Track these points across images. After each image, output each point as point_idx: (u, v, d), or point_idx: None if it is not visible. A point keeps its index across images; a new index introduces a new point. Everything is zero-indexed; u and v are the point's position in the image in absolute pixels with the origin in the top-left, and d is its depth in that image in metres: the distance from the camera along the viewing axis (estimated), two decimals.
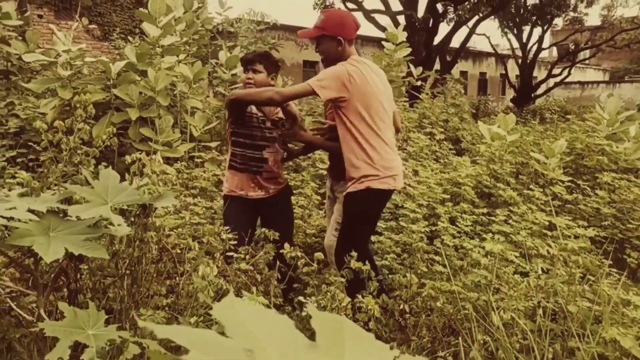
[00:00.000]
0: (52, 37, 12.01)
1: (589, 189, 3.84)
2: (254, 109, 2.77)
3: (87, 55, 5.01)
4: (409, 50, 5.97)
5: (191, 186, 4.04)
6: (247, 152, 2.78)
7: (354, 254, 2.26)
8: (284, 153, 2.94)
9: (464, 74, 25.32)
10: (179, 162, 4.72)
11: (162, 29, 4.59)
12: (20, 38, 5.49)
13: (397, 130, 2.98)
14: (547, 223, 3.41)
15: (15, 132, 4.40)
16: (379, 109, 2.44)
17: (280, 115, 2.79)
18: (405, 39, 5.89)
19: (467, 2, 12.04)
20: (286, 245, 2.25)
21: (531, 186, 3.82)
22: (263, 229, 2.33)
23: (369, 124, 2.40)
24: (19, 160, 4.12)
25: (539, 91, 24.78)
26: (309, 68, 18.43)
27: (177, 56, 4.79)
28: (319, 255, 2.21)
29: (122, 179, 1.72)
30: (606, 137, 4.69)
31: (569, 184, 3.96)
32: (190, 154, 4.94)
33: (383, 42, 6.08)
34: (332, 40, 2.44)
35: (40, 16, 11.39)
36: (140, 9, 4.86)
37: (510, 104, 25.03)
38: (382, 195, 2.54)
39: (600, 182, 4.05)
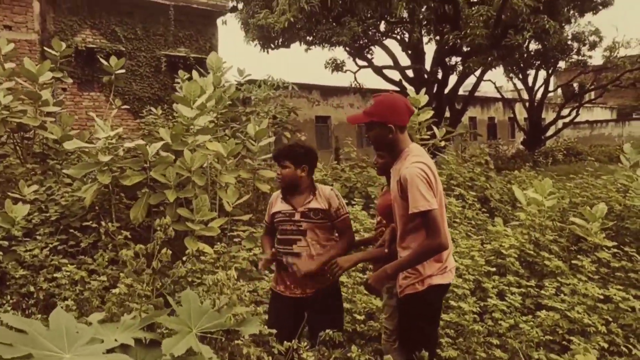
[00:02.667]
0: (75, 108, 12.41)
1: (637, 255, 3.77)
2: (278, 206, 2.74)
3: (114, 127, 5.12)
4: (432, 112, 6.07)
5: (230, 267, 4.04)
6: (279, 248, 2.72)
7: (425, 353, 2.20)
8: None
9: (472, 119, 25.64)
10: (216, 240, 4.75)
11: (196, 110, 4.73)
12: (53, 120, 5.68)
13: None
14: (601, 296, 3.33)
15: (56, 218, 4.47)
16: (442, 198, 2.42)
17: (311, 205, 2.68)
18: (422, 95, 5.99)
19: (475, 56, 12.35)
20: (354, 348, 2.20)
21: (578, 255, 3.76)
22: (326, 331, 2.25)
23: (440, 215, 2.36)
24: (59, 247, 4.16)
25: (549, 132, 24.92)
26: (322, 123, 18.78)
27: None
28: (387, 358, 2.16)
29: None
30: None
31: (615, 250, 3.90)
32: (223, 229, 4.96)
33: None
34: (383, 127, 2.34)
35: (64, 89, 11.82)
36: (176, 94, 5.04)
37: (521, 147, 25.12)
38: (443, 291, 2.48)
39: None
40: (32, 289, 3.49)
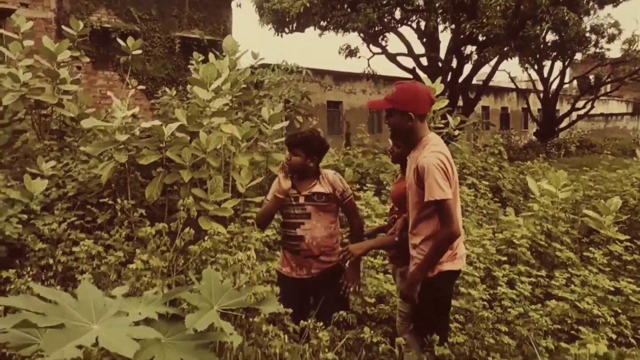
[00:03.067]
0: (89, 86, 12.49)
1: None
2: (285, 185, 2.75)
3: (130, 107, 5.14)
4: (447, 101, 6.05)
5: (245, 247, 4.10)
6: (284, 231, 2.82)
7: (436, 337, 2.24)
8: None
9: (485, 109, 25.40)
10: (229, 221, 4.80)
11: (212, 93, 4.75)
12: (70, 98, 5.73)
13: None
14: (611, 288, 3.35)
15: (74, 194, 4.55)
16: (457, 188, 2.45)
17: (315, 189, 2.74)
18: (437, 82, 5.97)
19: (491, 46, 12.20)
20: (366, 329, 2.25)
21: (590, 248, 3.77)
22: (340, 312, 2.30)
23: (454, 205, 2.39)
24: (76, 222, 4.24)
25: (562, 124, 24.66)
26: (333, 108, 18.72)
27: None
28: (400, 340, 2.21)
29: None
30: None
31: (627, 243, 3.90)
32: (236, 210, 5.02)
33: None
34: (403, 115, 2.36)
35: (79, 67, 11.87)
36: (193, 75, 5.06)
37: (534, 138, 24.90)
38: (454, 277, 2.52)
39: None
40: (50, 261, 3.58)
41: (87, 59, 6.50)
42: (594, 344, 1.93)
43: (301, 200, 2.75)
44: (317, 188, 2.77)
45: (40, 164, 4.69)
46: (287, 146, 2.85)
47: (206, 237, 3.21)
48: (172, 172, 4.69)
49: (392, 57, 15.52)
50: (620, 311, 3.24)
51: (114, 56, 12.54)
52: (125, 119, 4.63)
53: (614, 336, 3.05)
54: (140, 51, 6.47)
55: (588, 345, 1.92)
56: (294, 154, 2.78)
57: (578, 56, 23.25)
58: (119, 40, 6.57)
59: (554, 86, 23.79)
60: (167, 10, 13.72)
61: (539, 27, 11.02)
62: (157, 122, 4.73)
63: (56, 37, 11.50)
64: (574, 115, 24.66)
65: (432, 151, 2.30)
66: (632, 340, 3.06)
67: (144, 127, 4.66)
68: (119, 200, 4.43)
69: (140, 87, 7.32)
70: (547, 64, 23.05)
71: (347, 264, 2.65)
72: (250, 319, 1.74)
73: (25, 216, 4.04)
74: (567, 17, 10.54)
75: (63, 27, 6.54)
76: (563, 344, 2.51)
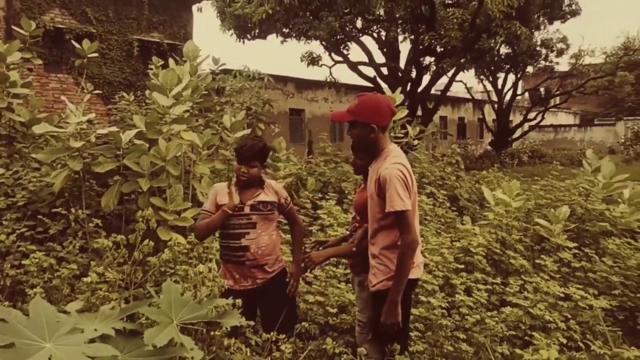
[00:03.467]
0: (41, 89, 11.98)
1: (595, 256, 3.97)
2: (225, 197, 2.71)
3: (85, 112, 4.98)
4: (407, 111, 6.18)
5: (205, 258, 4.03)
6: (227, 242, 2.73)
7: (397, 346, 2.28)
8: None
9: (443, 119, 26.10)
10: (189, 231, 4.71)
11: (172, 99, 4.66)
12: (21, 102, 5.48)
13: None
14: (561, 294, 3.50)
15: (24, 203, 4.34)
16: (416, 199, 2.50)
17: (260, 198, 2.75)
18: (396, 91, 6.09)
19: (449, 57, 12.58)
20: (328, 340, 2.27)
21: (542, 255, 3.93)
22: (302, 324, 2.32)
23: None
24: (26, 233, 4.04)
25: (515, 134, 25.68)
26: (295, 116, 18.75)
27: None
28: (361, 350, 2.22)
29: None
30: (602, 200, 4.89)
31: (575, 250, 4.09)
32: (197, 220, 4.93)
33: None
34: (365, 126, 2.39)
35: (30, 69, 11.39)
36: (152, 81, 4.94)
37: (489, 147, 25.78)
38: (413, 285, 2.57)
39: (604, 247, 4.19)
40: None
41: (40, 61, 6.25)
42: (546, 350, 2.02)
43: (246, 210, 2.72)
44: (263, 197, 2.77)
45: None
46: (244, 158, 2.75)
47: (166, 249, 3.14)
48: (130, 180, 4.56)
49: (353, 66, 15.73)
50: (570, 316, 3.39)
51: (68, 58, 12.10)
52: (80, 125, 4.47)
53: (565, 341, 3.17)
54: (96, 54, 6.27)
55: (540, 352, 2.01)
56: (252, 166, 2.74)
57: (529, 69, 24.34)
58: (74, 43, 6.35)
59: (508, 97, 24.76)
60: (125, 12, 13.38)
61: (493, 40, 11.47)
62: (114, 129, 4.60)
63: (5, 37, 11.00)
64: (526, 126, 25.74)
65: (393, 162, 2.35)
66: (581, 345, 3.20)
67: (100, 133, 4.51)
68: (72, 210, 4.26)
69: (96, 91, 7.08)
70: (501, 76, 24.00)
71: (308, 272, 2.69)
72: (212, 333, 1.71)
73: None
74: (519, 32, 11.04)
75: (13, 27, 6.27)
76: (518, 351, 2.59)
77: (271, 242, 2.77)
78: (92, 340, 1.48)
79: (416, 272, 2.51)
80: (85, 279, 3.19)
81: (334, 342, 2.25)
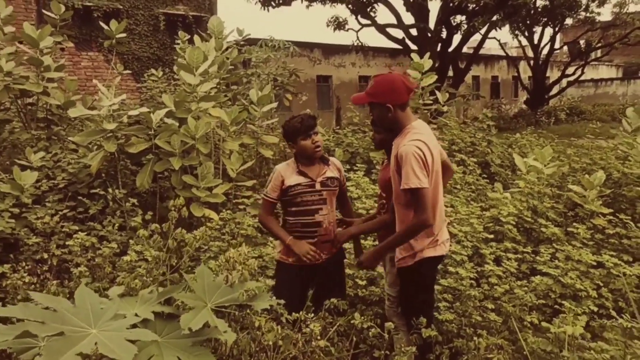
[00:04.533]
0: (73, 68, 12.27)
1: (631, 222, 3.87)
2: (295, 178, 2.73)
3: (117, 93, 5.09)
4: (435, 77, 6.04)
5: (237, 233, 4.16)
6: (299, 219, 2.74)
7: (423, 320, 2.33)
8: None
9: (475, 78, 25.30)
10: (220, 206, 4.85)
11: (200, 77, 4.72)
12: (55, 85, 5.65)
13: (451, 174, 3.03)
14: (593, 262, 3.46)
15: (64, 185, 4.55)
16: (438, 176, 2.50)
17: (328, 174, 2.76)
18: (425, 57, 5.95)
19: (480, 15, 12.07)
20: (356, 315, 2.35)
21: (575, 223, 3.86)
22: (331, 299, 2.39)
23: (432, 194, 2.45)
24: (68, 214, 4.26)
25: (553, 91, 24.68)
26: (323, 82, 18.56)
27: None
28: (389, 325, 2.29)
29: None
30: None
31: (610, 217, 4.00)
32: (228, 195, 5.06)
33: (409, 71, 6.17)
34: (382, 106, 2.43)
35: (62, 49, 11.63)
36: (179, 60, 5.00)
37: (524, 106, 24.94)
38: (436, 262, 2.60)
39: None
40: (45, 255, 3.62)
41: (71, 44, 6.41)
42: (571, 325, 2.03)
43: (317, 186, 2.73)
44: (330, 173, 2.79)
45: (29, 154, 4.67)
46: (309, 128, 2.69)
47: (200, 228, 3.25)
48: (162, 159, 4.71)
49: (381, 29, 15.34)
50: (602, 284, 3.36)
51: (98, 36, 12.29)
52: (113, 107, 4.60)
53: (596, 309, 3.16)
54: (124, 34, 6.36)
55: (566, 327, 2.02)
56: (316, 134, 2.72)
57: (568, 21, 23.10)
58: (102, 24, 6.45)
59: (544, 53, 23.70)
60: None
61: None
62: (144, 109, 4.72)
63: (37, 19, 11.23)
64: (564, 82, 24.66)
65: (411, 139, 2.35)
66: (613, 312, 3.18)
67: (131, 114, 4.64)
68: (110, 189, 4.45)
69: (126, 71, 7.22)
70: (538, 30, 22.91)
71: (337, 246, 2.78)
72: (245, 315, 1.80)
73: (17, 210, 4.05)
74: None
75: (44, 11, 6.40)
76: (544, 323, 2.61)
77: (336, 217, 2.84)
78: (133, 325, 1.59)
79: (440, 250, 2.54)
80: (125, 258, 3.40)
81: (362, 317, 2.33)
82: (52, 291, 3.06)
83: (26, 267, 3.44)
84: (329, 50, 18.66)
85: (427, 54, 6.04)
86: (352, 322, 2.34)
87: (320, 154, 2.75)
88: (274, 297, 1.98)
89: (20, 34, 5.38)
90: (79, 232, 3.77)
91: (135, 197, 4.57)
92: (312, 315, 2.04)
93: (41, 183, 4.48)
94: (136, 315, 1.68)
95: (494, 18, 12.45)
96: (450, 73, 16.58)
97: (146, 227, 3.06)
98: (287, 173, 2.76)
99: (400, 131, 2.46)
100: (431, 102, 6.15)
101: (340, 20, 15.10)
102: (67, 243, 3.62)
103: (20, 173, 4.32)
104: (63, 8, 6.03)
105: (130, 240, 3.90)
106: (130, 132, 4.71)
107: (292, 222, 2.77)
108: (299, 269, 2.74)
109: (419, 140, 2.35)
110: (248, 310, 1.88)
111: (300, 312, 1.96)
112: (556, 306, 3.29)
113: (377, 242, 3.60)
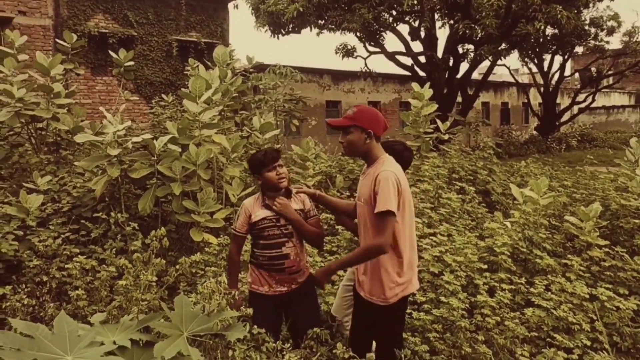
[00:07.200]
0: (88, 92, 12.61)
1: (627, 255, 3.85)
2: (261, 212, 2.79)
3: (126, 114, 5.27)
4: (435, 106, 6.12)
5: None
6: (266, 253, 2.78)
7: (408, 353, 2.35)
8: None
9: (485, 104, 25.38)
10: (220, 231, 4.92)
11: (202, 105, 4.85)
12: (66, 111, 5.84)
13: None
14: (586, 295, 3.43)
15: (68, 208, 4.67)
16: (412, 211, 2.58)
17: (293, 207, 2.82)
18: (428, 84, 6.04)
19: (486, 44, 12.21)
20: (339, 345, 2.37)
21: (569, 255, 3.85)
22: (314, 329, 2.42)
23: (407, 226, 2.51)
24: (71, 237, 4.36)
25: (563, 118, 24.62)
26: (332, 108, 18.79)
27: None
28: (370, 356, 2.31)
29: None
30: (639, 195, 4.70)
31: (607, 249, 3.98)
32: (229, 220, 5.13)
33: (410, 100, 6.26)
34: (363, 131, 2.53)
35: (77, 74, 12.00)
36: (182, 89, 5.15)
37: (535, 133, 24.88)
38: (407, 300, 2.66)
39: (638, 244, 4.05)
40: (45, 278, 3.70)
41: (82, 71, 6.64)
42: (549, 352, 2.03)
43: (282, 220, 2.78)
44: (295, 205, 2.84)
45: (37, 178, 4.82)
46: (274, 160, 2.79)
47: (196, 254, 3.31)
48: (165, 184, 4.81)
49: (390, 56, 15.56)
50: (595, 318, 3.33)
51: (112, 62, 12.69)
52: (117, 133, 4.74)
53: (589, 343, 3.13)
54: (132, 62, 6.58)
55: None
56: (280, 166, 2.81)
57: (578, 49, 23.19)
58: (111, 53, 6.68)
59: (555, 80, 23.74)
60: (164, 13, 13.83)
61: (532, 26, 10.98)
62: (148, 135, 4.84)
63: (54, 45, 11.64)
64: (576, 108, 24.62)
65: (389, 169, 2.46)
66: (607, 347, 3.14)
67: (135, 141, 4.76)
68: (112, 213, 4.55)
69: (134, 97, 7.43)
70: (547, 57, 23.02)
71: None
72: (220, 345, 1.85)
73: (21, 232, 4.17)
74: (559, 16, 10.52)
75: (57, 40, 6.66)
76: (524, 358, 2.60)
77: (304, 248, 2.90)
78: (109, 353, 1.64)
79: (410, 289, 2.58)
80: (120, 282, 3.46)
81: (344, 347, 2.34)
82: (49, 313, 3.14)
83: (26, 290, 3.53)
84: (338, 76, 18.94)
85: (427, 84, 6.13)
86: (334, 351, 2.36)
87: (284, 184, 2.80)
88: (255, 326, 2.02)
89: (34, 64, 5.60)
90: (79, 255, 3.85)
91: (137, 221, 4.66)
92: (289, 344, 2.07)
93: (46, 206, 4.61)
94: (114, 343, 1.74)
95: (500, 47, 12.58)
96: (459, 99, 16.67)
97: (146, 251, 3.14)
98: (254, 208, 2.83)
99: (375, 160, 2.57)
100: (431, 130, 6.21)
101: (349, 47, 15.36)
102: (66, 266, 3.70)
103: (27, 196, 4.45)
104: (75, 37, 6.27)
105: (129, 264, 3.97)
106: (134, 157, 4.83)
107: (259, 255, 2.82)
108: (271, 298, 2.79)
109: (394, 172, 2.46)
110: (228, 340, 1.92)
111: (277, 342, 2.00)
112: (548, 339, 3.26)
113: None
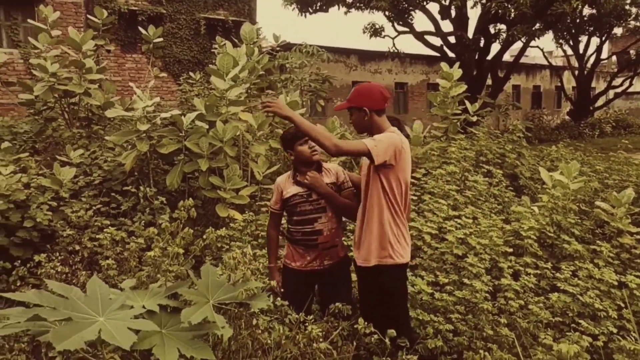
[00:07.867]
0: (118, 69, 12.82)
1: None
2: (293, 189, 2.83)
3: (154, 92, 5.34)
4: (465, 87, 6.00)
5: (258, 235, 4.27)
6: (300, 228, 2.82)
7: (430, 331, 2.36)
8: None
9: (516, 87, 24.73)
10: (245, 208, 4.99)
11: (229, 82, 4.88)
12: (97, 86, 5.96)
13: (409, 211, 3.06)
14: (615, 282, 3.36)
15: (99, 181, 4.81)
16: (408, 175, 2.62)
17: (328, 181, 2.85)
18: (457, 65, 5.92)
19: (520, 24, 11.82)
20: (360, 320, 2.39)
21: (597, 241, 3.77)
22: (336, 304, 2.44)
23: (401, 194, 2.57)
24: (102, 209, 4.50)
25: (598, 103, 23.81)
26: None
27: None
28: (391, 332, 2.33)
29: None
30: None
31: (638, 236, 3.87)
32: (254, 197, 5.19)
33: (438, 80, 6.15)
34: (359, 111, 2.59)
35: (108, 51, 12.19)
36: (210, 66, 5.18)
37: (567, 117, 24.18)
38: (405, 269, 2.70)
39: None
40: (77, 247, 3.83)
41: (112, 47, 6.74)
42: (567, 346, 2.01)
43: (314, 195, 2.80)
44: (326, 179, 2.85)
45: (69, 152, 4.96)
46: (297, 143, 2.80)
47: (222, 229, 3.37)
48: (192, 160, 4.89)
49: (419, 36, 15.25)
50: (623, 305, 3.26)
51: (142, 39, 12.83)
52: (147, 109, 4.82)
53: (615, 330, 3.08)
54: (161, 39, 6.63)
55: (560, 345, 2.01)
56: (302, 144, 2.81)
57: (617, 30, 22.26)
58: (141, 29, 6.75)
59: (590, 63, 22.89)
60: None
61: (568, 5, 10.56)
62: (176, 111, 4.91)
63: (86, 21, 11.83)
64: (611, 93, 23.75)
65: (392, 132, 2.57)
66: (635, 335, 3.08)
67: (164, 116, 4.84)
68: (141, 187, 4.67)
69: (162, 74, 7.51)
70: (584, 39, 22.18)
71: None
72: (244, 313, 1.89)
73: (55, 203, 4.31)
74: None
75: (88, 16, 6.76)
76: (547, 341, 2.57)
77: (339, 224, 2.90)
78: (138, 316, 1.71)
79: (408, 255, 2.65)
80: (149, 253, 3.56)
81: (365, 322, 2.36)
82: (81, 281, 3.26)
83: (59, 258, 3.67)
84: (365, 57, 18.70)
85: (456, 64, 6.00)
86: (355, 326, 2.38)
87: (317, 157, 2.81)
88: (279, 299, 2.06)
89: (66, 39, 5.71)
90: (110, 227, 3.97)
91: (165, 196, 4.76)
92: (313, 318, 2.11)
93: (79, 179, 4.75)
94: (143, 307, 1.80)
95: (534, 27, 12.16)
96: (489, 81, 16.28)
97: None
98: (285, 184, 2.87)
99: (381, 133, 2.58)
100: (460, 112, 6.10)
101: (377, 27, 15.11)
102: (97, 236, 3.83)
103: (60, 169, 4.59)
104: (105, 13, 6.35)
105: (157, 234, 4.08)
106: (163, 133, 4.91)
107: (293, 230, 2.86)
108: (304, 274, 2.82)
109: (400, 137, 2.54)
110: (251, 310, 1.96)
111: (300, 314, 2.03)
112: (573, 325, 3.22)
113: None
